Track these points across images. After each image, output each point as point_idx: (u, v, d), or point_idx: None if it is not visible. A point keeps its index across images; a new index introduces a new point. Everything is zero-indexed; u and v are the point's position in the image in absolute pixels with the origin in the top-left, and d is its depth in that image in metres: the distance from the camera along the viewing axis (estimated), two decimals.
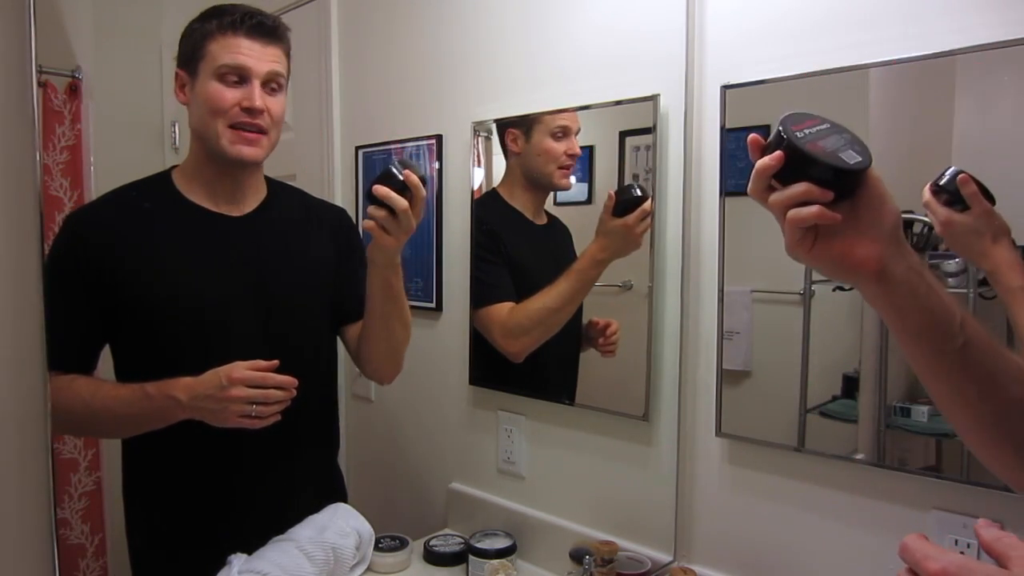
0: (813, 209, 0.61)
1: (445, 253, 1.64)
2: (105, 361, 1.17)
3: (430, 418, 1.70)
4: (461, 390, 1.62)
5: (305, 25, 1.78)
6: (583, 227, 1.39)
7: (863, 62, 1.05)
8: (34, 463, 0.71)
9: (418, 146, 1.68)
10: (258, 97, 1.12)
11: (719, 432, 1.23)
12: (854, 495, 1.10)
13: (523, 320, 1.46)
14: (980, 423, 0.68)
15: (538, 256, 1.53)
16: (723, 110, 1.19)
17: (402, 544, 1.37)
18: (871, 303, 0.66)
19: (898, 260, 0.62)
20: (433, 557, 1.42)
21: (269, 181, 1.28)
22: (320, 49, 1.87)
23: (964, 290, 0.99)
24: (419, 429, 1.74)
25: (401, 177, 1.05)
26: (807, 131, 0.62)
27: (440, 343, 1.65)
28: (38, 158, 0.72)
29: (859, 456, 1.10)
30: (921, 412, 1.03)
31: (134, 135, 1.66)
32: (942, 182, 0.95)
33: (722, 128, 1.20)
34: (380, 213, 1.07)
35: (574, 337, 1.43)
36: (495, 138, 1.52)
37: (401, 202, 1.06)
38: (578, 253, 1.40)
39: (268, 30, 1.14)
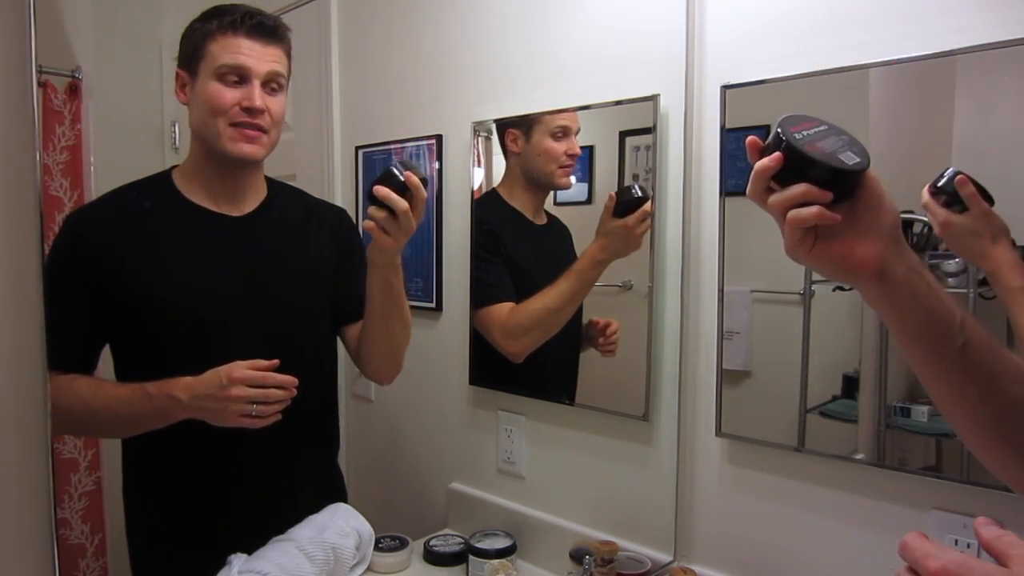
0: (813, 210, 0.61)
1: (445, 253, 1.64)
2: (105, 361, 1.17)
3: (430, 418, 1.70)
4: (461, 390, 1.62)
5: (305, 25, 1.79)
6: (583, 227, 1.39)
7: (863, 62, 1.05)
8: (34, 463, 0.71)
9: (418, 146, 1.68)
10: (258, 97, 1.12)
11: (719, 432, 1.23)
12: (854, 495, 1.10)
13: (523, 320, 1.46)
14: (980, 424, 0.68)
15: (538, 256, 1.53)
16: (723, 110, 1.19)
17: (402, 544, 1.37)
18: (871, 304, 0.66)
19: (898, 260, 0.62)
20: (433, 557, 1.42)
21: (269, 181, 1.28)
22: (320, 49, 1.87)
23: (964, 290, 0.99)
24: (419, 429, 1.74)
25: (402, 178, 1.05)
26: (805, 133, 0.62)
27: (440, 343, 1.65)
28: (38, 158, 0.71)
29: (859, 456, 1.10)
30: (921, 412, 1.03)
31: (134, 135, 1.66)
32: (940, 183, 0.95)
33: (722, 128, 1.20)
34: (380, 214, 1.07)
35: (574, 337, 1.43)
36: (495, 138, 1.52)
37: (401, 203, 1.05)
38: (578, 253, 1.40)
39: (268, 30, 1.14)
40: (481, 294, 1.53)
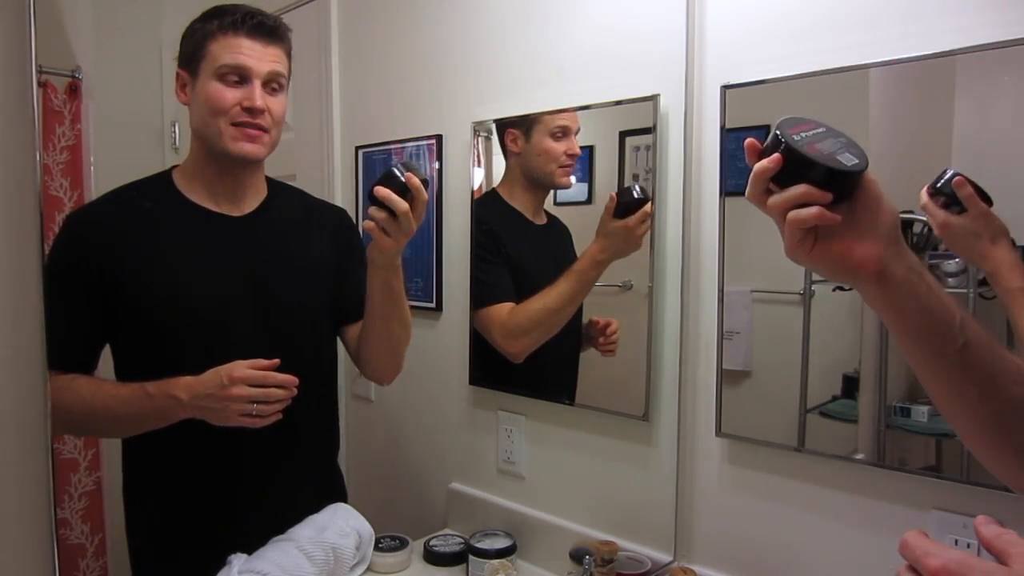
0: (813, 210, 0.61)
1: (445, 253, 1.64)
2: (105, 361, 1.17)
3: (430, 418, 1.71)
4: (461, 390, 1.62)
5: (305, 25, 1.79)
6: (583, 227, 1.39)
7: (863, 62, 1.05)
8: (34, 463, 0.71)
9: (418, 146, 1.68)
10: (259, 97, 1.12)
11: (719, 432, 1.23)
12: (854, 495, 1.10)
13: (523, 321, 1.46)
14: (980, 424, 0.68)
15: (538, 256, 1.53)
16: (723, 110, 1.19)
17: (402, 544, 1.37)
18: (871, 304, 0.66)
19: (898, 261, 0.62)
20: (433, 557, 1.42)
21: (269, 181, 1.28)
22: (320, 49, 1.88)
23: (964, 290, 0.99)
24: (419, 429, 1.74)
25: (403, 179, 1.05)
26: (804, 134, 0.62)
27: (440, 343, 1.65)
28: (38, 158, 0.72)
29: (859, 456, 1.10)
30: (921, 412, 1.03)
31: (134, 135, 1.66)
32: (939, 184, 0.95)
33: (722, 128, 1.20)
34: (380, 214, 1.07)
35: (574, 337, 1.43)
36: (495, 138, 1.52)
37: (401, 204, 1.05)
38: (578, 253, 1.40)
39: (269, 30, 1.14)
40: (481, 294, 1.53)
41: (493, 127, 1.52)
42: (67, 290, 1.09)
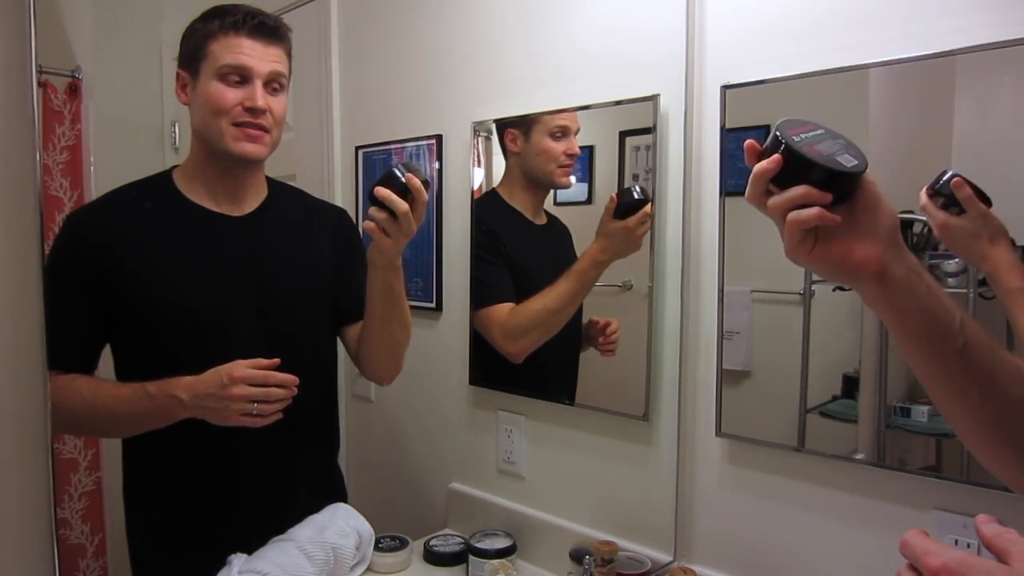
0: (813, 211, 0.61)
1: (445, 253, 1.64)
2: (105, 361, 1.17)
3: (430, 418, 1.71)
4: (461, 390, 1.62)
5: (305, 25, 1.78)
6: (583, 227, 1.39)
7: (863, 62, 1.05)
8: (34, 463, 0.71)
9: (418, 146, 1.68)
10: (260, 97, 1.12)
11: (719, 432, 1.23)
12: (854, 495, 1.10)
13: (523, 321, 1.46)
14: (980, 424, 0.68)
15: (538, 256, 1.53)
16: (723, 110, 1.19)
17: (402, 544, 1.37)
18: (871, 305, 0.66)
19: (897, 262, 0.63)
20: (433, 557, 1.42)
21: (270, 181, 1.28)
22: (320, 49, 1.88)
23: (964, 290, 0.99)
24: (419, 429, 1.74)
25: (403, 180, 1.05)
26: (803, 136, 0.63)
27: (440, 343, 1.65)
28: (38, 158, 0.72)
29: (859, 456, 1.10)
30: (921, 412, 1.03)
31: (134, 135, 1.66)
32: (938, 185, 0.95)
33: (722, 128, 1.20)
34: (381, 215, 1.07)
35: (574, 337, 1.43)
36: (495, 138, 1.52)
37: (402, 205, 1.05)
38: (578, 253, 1.40)
39: (270, 30, 1.14)
40: (481, 294, 1.53)
41: (493, 127, 1.52)
42: (67, 290, 1.09)
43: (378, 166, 1.77)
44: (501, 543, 1.37)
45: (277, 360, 1.05)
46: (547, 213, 1.49)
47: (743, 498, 1.23)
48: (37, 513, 0.72)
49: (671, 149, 1.28)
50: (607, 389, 1.42)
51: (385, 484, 1.80)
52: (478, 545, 1.36)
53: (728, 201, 1.20)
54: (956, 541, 0.99)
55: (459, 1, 1.60)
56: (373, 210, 1.07)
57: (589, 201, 1.41)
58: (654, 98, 1.28)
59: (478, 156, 1.56)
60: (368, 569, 1.31)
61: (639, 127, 1.31)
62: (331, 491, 1.35)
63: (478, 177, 1.56)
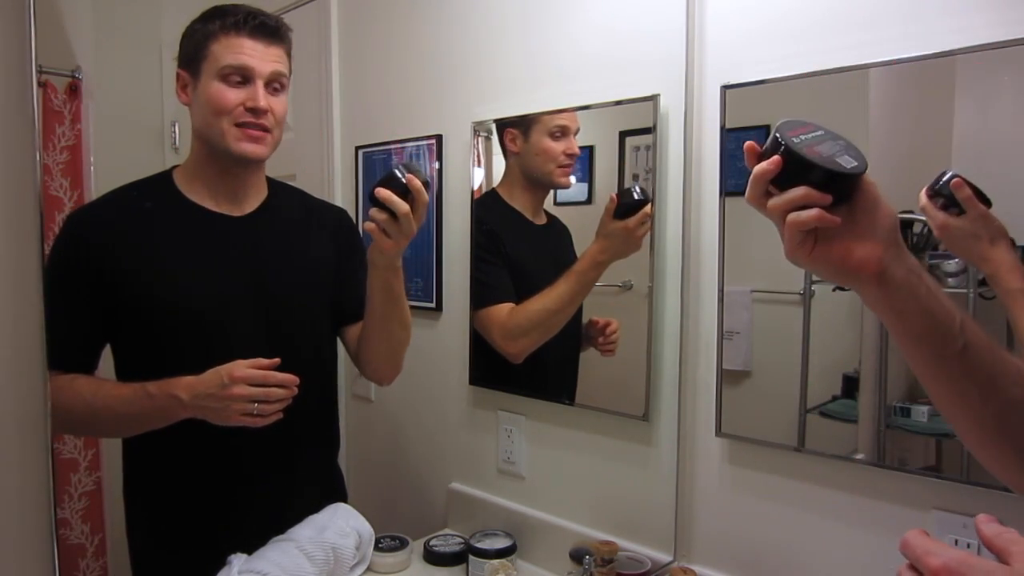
0: (813, 212, 0.61)
1: (445, 253, 1.64)
2: (106, 361, 1.17)
3: (430, 418, 1.71)
4: (461, 390, 1.62)
5: (305, 25, 1.78)
6: (583, 227, 1.39)
7: (863, 62, 1.05)
8: (34, 463, 0.71)
9: (418, 146, 1.68)
10: (262, 97, 1.12)
11: (719, 432, 1.23)
12: (854, 495, 1.10)
13: (523, 321, 1.46)
14: (980, 425, 0.68)
15: (538, 256, 1.53)
16: (723, 110, 1.19)
17: (402, 544, 1.37)
18: (871, 306, 0.66)
19: (897, 263, 0.62)
20: (433, 557, 1.42)
21: (270, 181, 1.28)
22: (320, 49, 1.88)
23: (964, 290, 0.99)
24: (419, 429, 1.74)
25: (404, 180, 1.05)
26: (803, 137, 0.63)
27: (440, 343, 1.65)
28: (38, 158, 0.72)
29: (859, 456, 1.10)
30: (921, 412, 1.03)
31: (134, 135, 1.66)
32: (937, 186, 0.95)
33: (722, 128, 1.20)
34: (381, 216, 1.07)
35: (574, 337, 1.43)
36: (495, 138, 1.52)
37: (402, 206, 1.05)
38: (578, 253, 1.40)
39: (271, 30, 1.14)
40: (481, 295, 1.53)
41: (493, 127, 1.52)
42: (67, 290, 1.09)
43: (378, 166, 1.77)
44: (501, 543, 1.37)
45: (277, 360, 1.05)
46: (547, 213, 1.49)
47: (743, 498, 1.23)
48: (37, 513, 0.72)
49: (671, 149, 1.28)
50: (607, 389, 1.42)
51: (385, 484, 1.80)
52: (478, 545, 1.36)
53: (728, 201, 1.20)
54: (956, 541, 0.99)
55: (459, 1, 1.60)
56: (374, 211, 1.07)
57: (589, 201, 1.41)
58: (654, 98, 1.28)
59: (478, 156, 1.56)
60: (368, 569, 1.31)
61: (639, 127, 1.31)
62: (331, 491, 1.35)
63: (478, 177, 1.56)
